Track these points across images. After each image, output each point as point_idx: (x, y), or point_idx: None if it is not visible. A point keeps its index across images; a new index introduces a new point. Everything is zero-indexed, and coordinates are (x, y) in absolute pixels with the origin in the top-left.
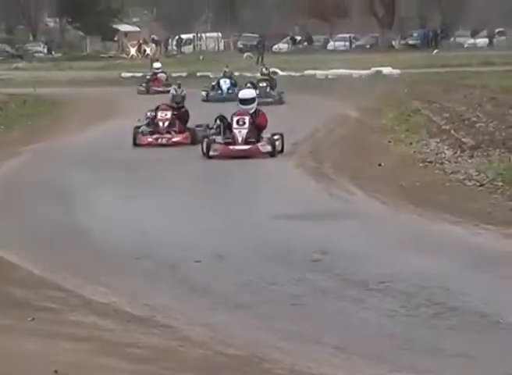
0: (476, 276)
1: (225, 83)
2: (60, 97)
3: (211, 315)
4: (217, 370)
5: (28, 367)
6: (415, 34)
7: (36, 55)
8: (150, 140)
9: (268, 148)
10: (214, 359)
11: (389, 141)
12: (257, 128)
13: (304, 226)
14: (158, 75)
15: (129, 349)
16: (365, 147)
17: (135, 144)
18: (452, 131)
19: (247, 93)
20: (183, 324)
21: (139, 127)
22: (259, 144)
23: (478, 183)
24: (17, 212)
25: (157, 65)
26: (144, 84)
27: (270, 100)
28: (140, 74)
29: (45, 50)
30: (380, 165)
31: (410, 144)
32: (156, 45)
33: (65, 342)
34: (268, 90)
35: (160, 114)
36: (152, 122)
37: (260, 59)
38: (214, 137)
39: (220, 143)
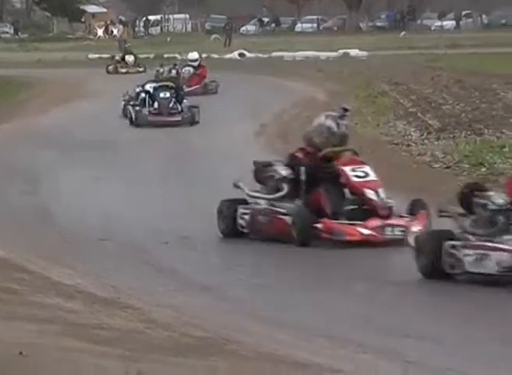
0: None
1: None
2: (26, 78)
3: (176, 296)
4: (182, 352)
5: None
6: (383, 16)
7: (2, 35)
8: None
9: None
10: (179, 341)
11: (356, 123)
12: None
13: None
14: (185, 71)
15: (95, 331)
16: None
17: None
18: (419, 113)
19: None
20: (149, 306)
21: None
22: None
23: (445, 165)
24: None
25: (193, 55)
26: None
27: (176, 119)
28: (107, 56)
29: (11, 31)
30: None
31: (377, 126)
32: (123, 27)
33: (30, 324)
34: (172, 104)
35: None
36: None
37: (228, 41)
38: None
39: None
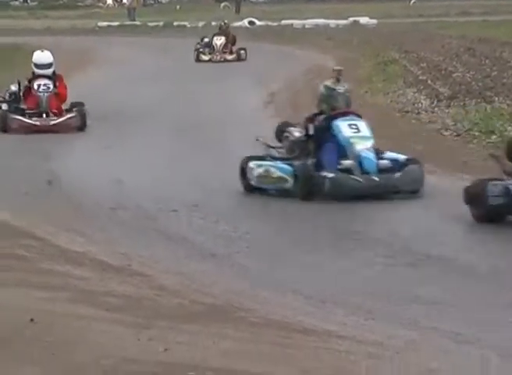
0: (453, 224)
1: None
2: (36, 46)
3: (186, 264)
4: (192, 319)
5: (3, 316)
6: None
7: (11, 3)
8: None
9: None
10: (189, 308)
11: (366, 91)
12: None
13: None
14: (40, 86)
15: (105, 298)
16: None
17: None
18: (429, 81)
19: None
20: (159, 273)
21: None
22: None
23: (455, 133)
24: None
25: (44, 57)
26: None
27: None
28: (116, 23)
29: None
30: None
31: (387, 94)
32: None
33: (40, 291)
34: None
35: None
36: None
37: (238, 9)
38: None
39: None
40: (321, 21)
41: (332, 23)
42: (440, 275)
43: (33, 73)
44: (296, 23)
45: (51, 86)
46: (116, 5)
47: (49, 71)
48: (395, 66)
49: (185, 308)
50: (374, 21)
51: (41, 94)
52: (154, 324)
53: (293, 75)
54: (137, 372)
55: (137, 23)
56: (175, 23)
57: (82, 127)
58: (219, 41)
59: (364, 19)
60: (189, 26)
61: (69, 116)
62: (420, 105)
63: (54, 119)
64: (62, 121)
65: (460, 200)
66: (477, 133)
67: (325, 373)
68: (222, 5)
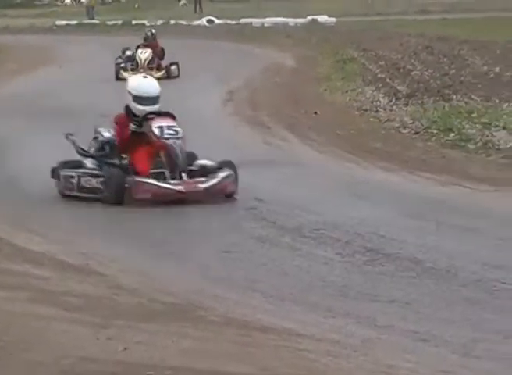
0: (410, 223)
1: None
2: None
3: (145, 263)
4: (151, 317)
5: None
6: None
7: None
8: None
9: None
10: (148, 307)
11: (325, 90)
12: None
13: (239, 174)
14: (162, 129)
15: (64, 297)
16: (301, 95)
17: None
18: (387, 79)
19: None
20: (118, 272)
21: None
22: None
23: (413, 131)
24: None
25: (146, 86)
26: None
27: None
28: (75, 22)
29: None
30: (316, 113)
31: (346, 92)
32: None
33: None
34: None
35: None
36: None
37: (199, 7)
38: None
39: None
40: (280, 19)
41: (291, 21)
42: (398, 273)
43: (128, 108)
44: (256, 21)
45: (179, 129)
46: (75, 3)
47: (155, 107)
48: (353, 64)
49: (144, 308)
50: (332, 19)
51: (170, 142)
52: (112, 324)
53: (252, 73)
54: (96, 371)
55: (96, 21)
56: (133, 22)
57: (235, 192)
58: (144, 54)
59: (322, 18)
60: (148, 24)
61: (223, 175)
62: (378, 103)
63: (202, 182)
64: (217, 183)
65: (419, 198)
66: (435, 131)
67: (284, 371)
68: (181, 3)
